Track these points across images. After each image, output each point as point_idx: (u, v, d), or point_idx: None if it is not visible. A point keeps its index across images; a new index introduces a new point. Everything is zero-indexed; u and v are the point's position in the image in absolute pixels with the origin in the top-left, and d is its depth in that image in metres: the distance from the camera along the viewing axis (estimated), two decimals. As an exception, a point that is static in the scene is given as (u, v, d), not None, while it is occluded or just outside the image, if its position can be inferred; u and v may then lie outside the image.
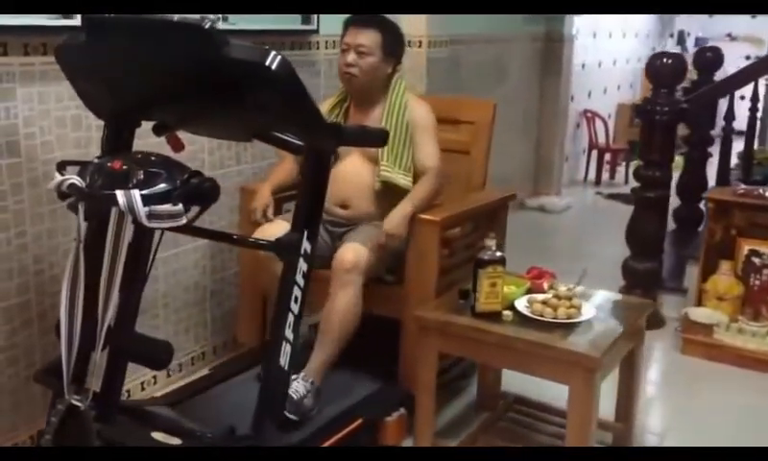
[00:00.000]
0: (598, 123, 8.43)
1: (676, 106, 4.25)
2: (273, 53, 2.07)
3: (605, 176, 8.43)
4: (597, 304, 2.91)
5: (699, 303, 4.26)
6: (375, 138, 2.70)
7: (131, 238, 2.21)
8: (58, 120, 2.77)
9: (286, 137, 2.34)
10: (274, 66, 2.07)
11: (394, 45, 3.19)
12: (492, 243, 2.78)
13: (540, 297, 2.86)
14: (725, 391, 3.71)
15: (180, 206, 2.12)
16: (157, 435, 2.37)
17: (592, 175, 8.43)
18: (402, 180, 3.13)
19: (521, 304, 2.84)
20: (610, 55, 8.81)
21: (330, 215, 3.20)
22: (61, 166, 2.22)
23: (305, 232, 2.29)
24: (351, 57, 3.13)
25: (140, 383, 3.28)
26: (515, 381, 3.28)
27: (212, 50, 2.07)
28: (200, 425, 2.50)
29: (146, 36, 2.17)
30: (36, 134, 2.71)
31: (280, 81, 2.09)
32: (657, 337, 4.20)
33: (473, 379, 3.51)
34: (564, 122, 7.33)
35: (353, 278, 2.94)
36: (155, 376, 3.34)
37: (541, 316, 2.76)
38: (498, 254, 2.78)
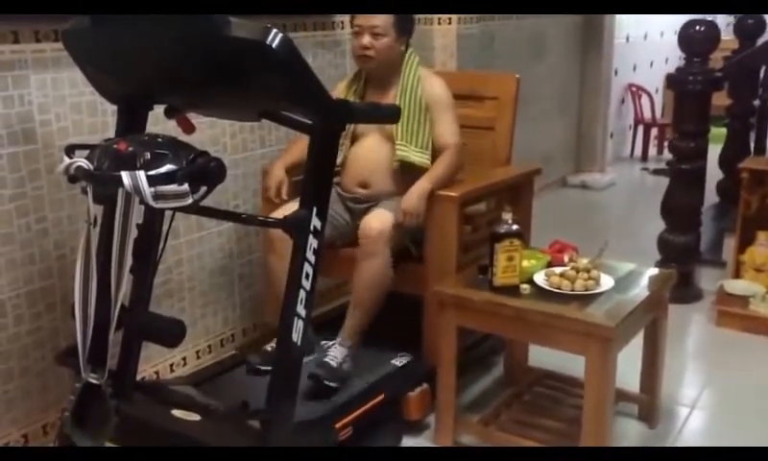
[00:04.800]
0: (644, 97, 8.30)
1: (710, 75, 4.16)
2: (274, 31, 2.05)
3: (652, 151, 8.30)
4: (618, 276, 2.88)
5: (737, 275, 4.20)
6: (386, 115, 2.69)
7: (141, 219, 2.26)
8: (73, 106, 2.80)
9: (294, 116, 2.36)
10: (274, 44, 2.04)
11: (404, 22, 3.17)
12: (508, 216, 2.77)
13: (558, 270, 2.84)
14: (758, 361, 3.65)
15: (186, 186, 2.12)
16: (177, 412, 2.41)
17: (639, 151, 8.31)
18: (417, 157, 3.11)
19: (539, 278, 2.83)
20: (656, 27, 8.64)
21: (351, 193, 3.22)
22: (71, 150, 2.24)
23: (314, 209, 2.29)
24: (367, 39, 3.12)
25: (169, 365, 3.33)
26: (544, 357, 3.25)
27: (212, 30, 2.07)
28: (219, 403, 2.54)
29: (147, 19, 2.18)
30: (51, 121, 2.74)
31: (282, 58, 2.07)
32: (693, 310, 4.17)
33: (502, 356, 3.49)
34: (606, 97, 7.22)
35: (380, 247, 2.96)
36: (184, 358, 3.39)
37: (559, 288, 2.75)
38: (515, 227, 2.76)
